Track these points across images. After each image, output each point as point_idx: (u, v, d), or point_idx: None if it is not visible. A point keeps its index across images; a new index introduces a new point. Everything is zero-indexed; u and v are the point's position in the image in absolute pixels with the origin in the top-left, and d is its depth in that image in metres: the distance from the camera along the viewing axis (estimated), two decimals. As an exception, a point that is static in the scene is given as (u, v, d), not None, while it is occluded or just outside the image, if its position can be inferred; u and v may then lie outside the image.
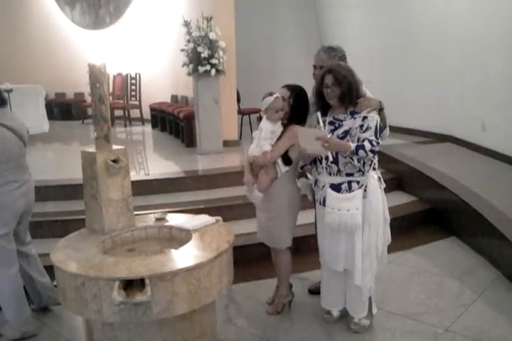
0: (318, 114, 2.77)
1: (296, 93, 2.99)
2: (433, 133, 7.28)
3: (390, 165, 5.67)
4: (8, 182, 2.85)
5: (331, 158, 2.69)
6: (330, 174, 2.81)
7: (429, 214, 4.87)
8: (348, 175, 2.77)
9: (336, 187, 2.77)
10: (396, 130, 7.05)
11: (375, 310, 3.03)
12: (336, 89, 2.72)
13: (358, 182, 2.76)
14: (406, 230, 4.55)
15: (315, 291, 3.36)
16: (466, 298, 3.33)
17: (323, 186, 2.85)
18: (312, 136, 2.64)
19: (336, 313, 3.08)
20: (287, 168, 2.97)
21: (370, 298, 2.96)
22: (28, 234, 3.20)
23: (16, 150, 2.89)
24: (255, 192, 3.05)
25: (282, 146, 2.94)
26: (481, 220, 4.00)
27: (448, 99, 6.85)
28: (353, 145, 2.63)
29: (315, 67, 3.15)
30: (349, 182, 2.76)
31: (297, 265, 3.51)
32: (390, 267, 3.74)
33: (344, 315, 3.07)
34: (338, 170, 2.76)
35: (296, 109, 2.97)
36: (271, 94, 2.94)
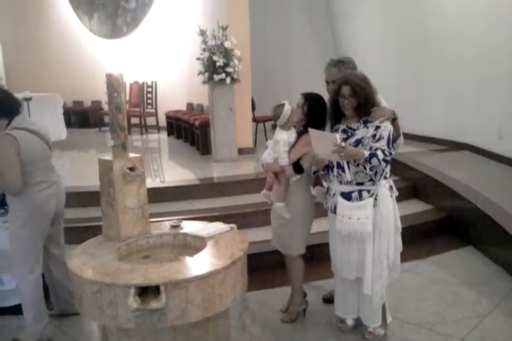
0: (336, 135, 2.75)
1: (310, 101, 2.99)
2: (449, 141, 7.21)
3: (405, 173, 5.64)
4: (37, 183, 2.94)
5: (347, 172, 2.70)
6: (341, 182, 2.81)
7: (446, 223, 4.83)
8: (358, 184, 2.77)
9: (347, 196, 2.78)
10: (411, 137, 7.01)
11: (389, 319, 3.01)
12: (353, 101, 2.72)
13: (368, 191, 2.76)
14: (422, 239, 4.51)
15: (329, 300, 3.34)
16: (483, 308, 3.29)
17: (334, 194, 2.86)
18: (325, 140, 2.64)
19: (350, 322, 3.06)
20: (298, 176, 2.97)
21: (384, 307, 2.94)
22: (62, 238, 3.28)
23: (40, 151, 2.99)
24: (275, 204, 3.05)
25: (295, 154, 2.95)
26: (498, 229, 3.95)
27: (464, 106, 6.79)
28: (366, 153, 2.63)
29: (327, 82, 3.12)
30: (360, 191, 2.76)
31: (312, 273, 3.51)
32: (406, 276, 3.71)
33: (359, 324, 3.05)
34: (349, 180, 2.76)
35: (311, 116, 2.97)
36: (281, 105, 2.96)
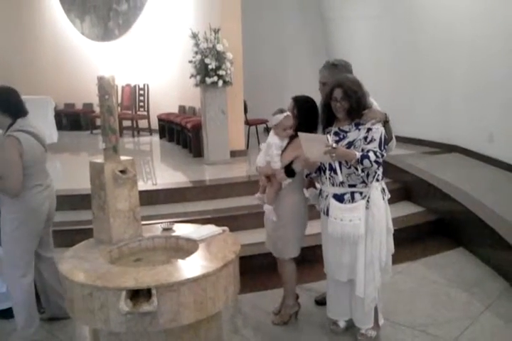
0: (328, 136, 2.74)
1: (300, 104, 2.99)
2: (440, 144, 7.27)
3: (397, 176, 5.66)
4: (34, 186, 2.94)
5: (339, 173, 2.70)
6: (333, 184, 2.82)
7: (437, 225, 4.85)
8: (350, 186, 2.78)
9: (339, 198, 2.79)
10: (404, 140, 7.06)
11: (381, 321, 3.01)
12: (345, 104, 2.73)
13: (360, 193, 2.77)
14: (414, 241, 4.53)
15: (322, 302, 3.35)
16: (474, 309, 3.31)
17: (327, 196, 2.87)
18: (316, 142, 2.64)
19: (342, 324, 3.07)
20: (289, 180, 2.97)
21: (376, 309, 2.95)
22: (51, 241, 3.27)
23: (39, 155, 2.99)
24: (265, 205, 3.06)
25: (287, 158, 2.95)
26: (488, 231, 3.98)
27: (455, 109, 6.85)
28: (358, 154, 2.64)
29: (321, 83, 3.15)
30: (352, 193, 2.77)
31: (304, 275, 3.51)
32: (398, 278, 3.73)
33: (351, 326, 3.06)
34: (341, 181, 2.77)
35: (301, 119, 2.97)
36: (281, 111, 2.96)
